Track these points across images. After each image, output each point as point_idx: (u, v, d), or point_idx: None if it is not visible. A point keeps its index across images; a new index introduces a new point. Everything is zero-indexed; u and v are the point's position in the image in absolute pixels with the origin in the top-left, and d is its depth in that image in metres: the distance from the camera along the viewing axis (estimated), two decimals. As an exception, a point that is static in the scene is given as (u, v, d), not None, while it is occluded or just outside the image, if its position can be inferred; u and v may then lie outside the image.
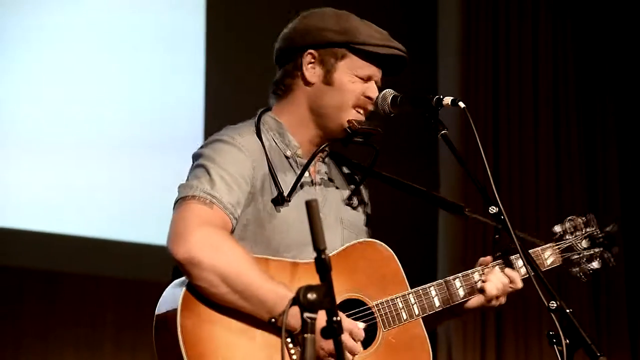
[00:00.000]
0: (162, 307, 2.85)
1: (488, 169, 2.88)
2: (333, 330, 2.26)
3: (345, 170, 3.20)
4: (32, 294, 5.70)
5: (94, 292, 5.82)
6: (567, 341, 2.68)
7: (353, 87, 3.01)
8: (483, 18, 6.90)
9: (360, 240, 3.04)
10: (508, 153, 6.86)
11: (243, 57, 6.07)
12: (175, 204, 2.86)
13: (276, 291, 2.77)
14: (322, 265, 2.27)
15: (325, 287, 2.25)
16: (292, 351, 2.80)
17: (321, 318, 2.25)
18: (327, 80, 3.01)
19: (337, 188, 3.12)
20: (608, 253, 3.28)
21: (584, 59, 7.19)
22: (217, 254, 2.76)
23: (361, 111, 3.02)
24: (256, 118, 3.04)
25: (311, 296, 2.22)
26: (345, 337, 2.82)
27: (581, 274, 3.26)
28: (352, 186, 3.15)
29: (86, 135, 5.68)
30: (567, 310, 2.71)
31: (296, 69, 3.03)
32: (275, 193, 2.93)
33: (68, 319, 5.75)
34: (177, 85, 5.95)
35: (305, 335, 2.21)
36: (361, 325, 2.90)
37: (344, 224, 3.07)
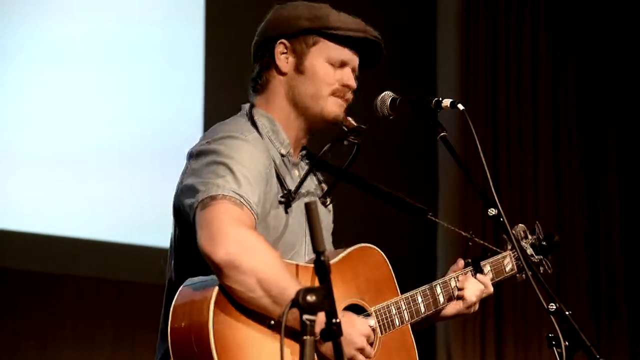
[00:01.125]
0: (181, 314, 2.71)
1: (487, 171, 2.88)
2: (332, 333, 2.26)
3: (317, 168, 3.14)
4: (30, 297, 5.70)
5: (92, 294, 5.81)
6: (567, 343, 2.68)
7: (326, 73, 2.96)
8: (482, 20, 6.90)
9: (360, 245, 3.03)
10: (507, 155, 6.86)
11: (242, 69, 6.06)
12: (200, 202, 2.75)
13: None
14: (322, 268, 2.27)
15: (325, 289, 2.25)
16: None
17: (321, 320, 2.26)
18: (299, 68, 2.97)
19: (314, 186, 3.10)
20: (546, 260, 3.35)
21: (583, 61, 7.19)
22: (255, 256, 2.68)
23: (340, 100, 2.98)
24: (247, 115, 3.00)
25: (310, 298, 2.22)
26: (364, 343, 2.82)
27: (522, 279, 3.31)
28: (324, 185, 3.12)
29: (86, 142, 5.68)
30: (567, 313, 2.71)
31: (271, 60, 3.00)
32: (281, 192, 2.90)
33: (66, 322, 5.75)
34: (176, 97, 5.96)
35: (304, 337, 2.21)
36: (372, 322, 2.91)
37: (322, 223, 3.06)
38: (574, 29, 7.19)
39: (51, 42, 5.66)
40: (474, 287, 3.12)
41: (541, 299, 2.77)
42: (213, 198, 2.72)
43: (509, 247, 3.18)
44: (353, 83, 3.00)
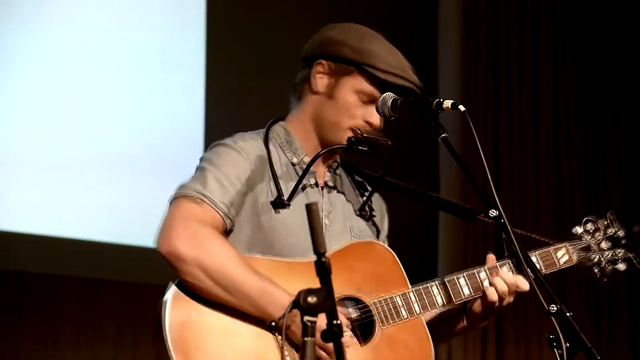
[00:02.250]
0: (159, 308, 2.86)
1: (488, 172, 2.88)
2: (333, 334, 2.26)
3: (357, 180, 3.19)
4: (31, 298, 5.70)
5: (93, 295, 5.81)
6: (568, 344, 2.68)
7: (352, 107, 3.00)
8: (483, 21, 6.90)
9: (359, 240, 3.04)
10: (508, 156, 6.86)
11: (243, 76, 6.09)
12: (168, 203, 2.89)
13: (260, 285, 2.78)
14: (322, 269, 2.27)
15: (326, 290, 2.25)
16: (287, 357, 2.80)
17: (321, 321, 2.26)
18: (330, 93, 3.02)
19: (347, 199, 3.12)
20: (633, 254, 3.23)
21: (584, 61, 7.19)
22: (200, 248, 2.78)
23: (362, 128, 3.01)
24: (266, 127, 3.07)
25: (311, 299, 2.22)
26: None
27: (601, 275, 3.19)
28: (364, 197, 3.15)
29: (87, 145, 5.69)
30: (568, 314, 2.71)
31: (308, 75, 3.05)
32: (276, 196, 2.94)
33: (67, 323, 5.75)
34: (177, 101, 5.97)
35: (305, 338, 2.21)
36: (353, 313, 2.89)
37: (353, 232, 3.07)
38: (575, 29, 7.19)
39: (52, 45, 5.67)
40: (504, 280, 2.99)
41: (542, 300, 2.77)
42: (175, 198, 2.87)
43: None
44: (377, 122, 3.03)
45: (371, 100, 3.01)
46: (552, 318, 2.71)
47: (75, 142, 5.68)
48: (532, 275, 2.81)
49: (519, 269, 3.03)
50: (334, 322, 2.25)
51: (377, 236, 3.16)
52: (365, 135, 2.99)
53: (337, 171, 3.13)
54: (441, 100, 2.93)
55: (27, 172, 5.56)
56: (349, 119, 3.00)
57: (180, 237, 2.79)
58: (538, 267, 3.07)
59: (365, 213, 3.13)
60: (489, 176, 2.88)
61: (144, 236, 5.72)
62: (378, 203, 3.21)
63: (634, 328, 6.99)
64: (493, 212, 2.84)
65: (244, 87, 6.05)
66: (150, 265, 5.59)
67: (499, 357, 6.67)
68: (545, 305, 2.72)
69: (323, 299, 2.23)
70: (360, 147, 2.99)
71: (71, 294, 5.77)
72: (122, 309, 5.84)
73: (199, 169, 2.93)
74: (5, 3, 5.61)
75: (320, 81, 3.03)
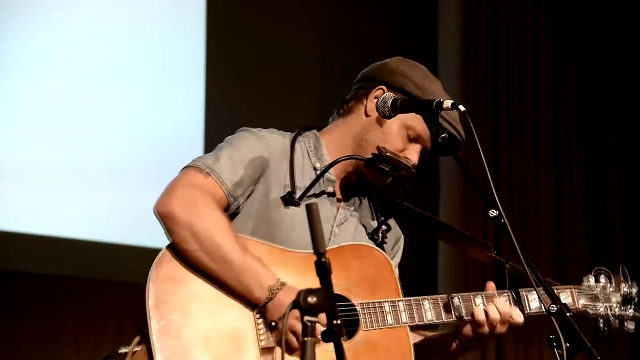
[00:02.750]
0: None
1: (488, 172, 2.88)
2: (333, 334, 2.26)
3: (376, 206, 3.19)
4: (32, 298, 5.70)
5: (93, 295, 5.81)
6: (567, 345, 2.68)
7: (398, 139, 3.04)
8: (483, 21, 6.90)
9: (358, 242, 3.05)
10: (508, 155, 6.86)
11: (243, 84, 6.10)
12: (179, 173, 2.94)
13: (246, 261, 2.80)
14: (322, 269, 2.27)
15: (326, 290, 2.25)
16: (262, 337, 2.80)
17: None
18: (379, 120, 3.05)
19: (361, 222, 3.13)
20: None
21: (583, 61, 7.20)
22: (194, 211, 2.81)
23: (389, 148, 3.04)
24: (297, 130, 3.11)
25: (311, 299, 2.22)
26: (295, 325, 2.76)
27: (607, 328, 3.19)
28: (380, 222, 3.15)
29: (88, 150, 5.70)
30: (568, 314, 2.71)
31: (364, 96, 3.08)
32: (288, 192, 2.96)
33: (68, 323, 5.75)
34: (177, 110, 5.98)
35: (305, 338, 2.21)
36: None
37: None
38: (575, 29, 7.19)
39: (52, 54, 5.68)
40: (498, 308, 2.97)
41: (542, 300, 2.76)
42: (185, 168, 2.92)
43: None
44: (415, 160, 3.06)
45: (415, 139, 3.06)
46: (552, 318, 2.71)
47: (75, 143, 5.68)
48: (532, 275, 2.80)
49: (516, 303, 3.03)
50: (334, 322, 2.25)
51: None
52: (389, 154, 3.01)
53: (362, 198, 3.14)
54: (441, 100, 2.93)
55: (27, 173, 5.56)
56: (391, 148, 3.03)
57: (178, 199, 2.82)
58: (537, 305, 3.07)
59: (377, 237, 3.13)
60: (489, 176, 2.88)
61: (144, 236, 5.75)
62: (395, 233, 3.20)
63: (634, 331, 6.98)
64: (493, 212, 2.84)
65: (243, 96, 6.05)
66: (150, 265, 5.62)
67: (499, 357, 6.67)
68: (545, 305, 2.72)
69: (323, 299, 2.23)
70: (381, 165, 3.01)
71: (71, 294, 5.77)
72: (122, 309, 5.83)
73: (218, 147, 2.97)
74: (6, 10, 5.61)
75: (374, 104, 3.05)
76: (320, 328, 2.22)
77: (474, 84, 6.83)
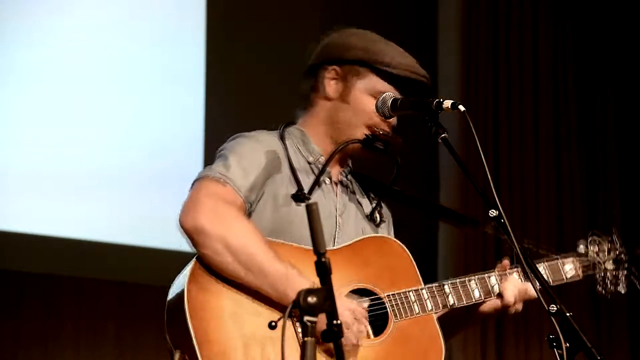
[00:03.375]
0: (172, 290, 2.85)
1: (488, 172, 2.88)
2: (333, 334, 2.26)
3: (366, 188, 3.22)
4: (32, 298, 5.70)
5: (93, 295, 5.81)
6: (567, 345, 2.68)
7: (368, 107, 3.04)
8: (483, 21, 6.90)
9: (374, 235, 3.07)
10: (508, 155, 6.86)
11: (242, 89, 6.10)
12: (192, 185, 2.92)
13: (281, 269, 2.80)
14: (322, 269, 2.27)
15: (326, 290, 2.25)
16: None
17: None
18: (345, 97, 3.05)
19: (358, 203, 3.15)
20: (634, 277, 3.32)
21: (584, 60, 7.19)
22: (223, 223, 2.80)
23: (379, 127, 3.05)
24: (280, 128, 3.10)
25: (311, 299, 2.22)
26: (348, 317, 2.80)
27: (604, 293, 3.33)
28: (373, 204, 3.18)
29: (87, 148, 5.70)
30: (567, 314, 2.71)
31: (319, 83, 3.08)
32: (296, 189, 2.98)
33: (68, 323, 5.74)
34: (177, 118, 5.98)
35: (305, 338, 2.21)
36: (365, 303, 2.91)
37: (365, 233, 3.09)
38: (575, 29, 7.19)
39: (51, 63, 5.68)
40: (513, 287, 3.09)
41: (542, 300, 2.77)
42: (199, 179, 2.90)
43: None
44: (394, 120, 3.07)
45: None
46: (552, 318, 2.71)
47: (75, 143, 5.68)
48: (531, 275, 2.81)
49: (527, 277, 3.08)
50: (334, 322, 2.25)
51: None
52: (382, 133, 3.03)
53: (349, 177, 3.15)
54: (441, 100, 2.94)
55: (27, 173, 5.56)
56: (366, 119, 3.04)
57: (205, 213, 2.80)
58: (546, 277, 3.18)
59: (375, 218, 3.15)
60: (489, 176, 2.88)
61: (144, 236, 5.76)
62: (386, 211, 3.23)
63: (634, 328, 6.99)
64: (493, 212, 2.84)
65: (243, 104, 6.06)
66: (150, 266, 5.63)
67: (499, 357, 6.67)
68: (545, 306, 2.72)
69: (323, 299, 2.23)
70: (377, 145, 3.04)
71: (71, 294, 5.76)
72: (122, 309, 5.84)
73: (221, 156, 2.97)
74: (6, 19, 5.62)
75: (334, 87, 3.06)
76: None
77: (474, 84, 6.83)
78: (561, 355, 2.68)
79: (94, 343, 5.79)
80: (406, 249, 3.05)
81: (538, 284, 2.80)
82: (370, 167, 3.19)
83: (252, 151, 2.97)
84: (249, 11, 6.36)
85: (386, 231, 3.19)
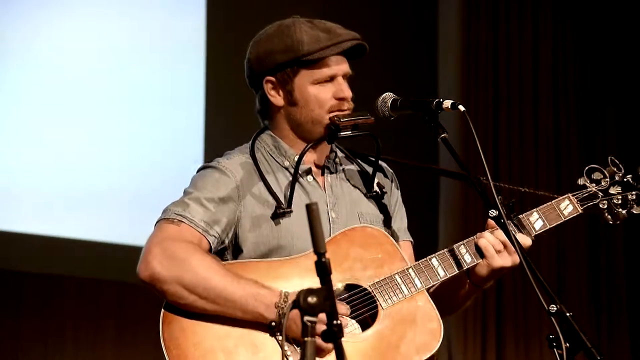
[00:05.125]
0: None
1: (488, 172, 2.88)
2: (333, 334, 2.26)
3: (359, 163, 3.18)
4: (32, 298, 5.70)
5: (93, 295, 5.81)
6: (567, 345, 2.68)
7: (317, 97, 2.99)
8: (483, 19, 6.90)
9: (349, 227, 3.01)
10: (508, 155, 6.87)
11: (242, 110, 6.09)
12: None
13: (244, 289, 2.79)
14: (323, 269, 2.27)
15: (326, 290, 2.25)
16: (290, 354, 2.80)
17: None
18: (291, 100, 3.01)
19: (353, 185, 3.11)
20: None
21: (584, 60, 7.19)
22: (177, 265, 2.80)
23: (340, 114, 3.01)
24: (252, 138, 3.08)
25: (311, 299, 2.22)
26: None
27: (614, 219, 3.28)
28: (368, 178, 3.14)
29: (87, 149, 5.71)
30: (567, 314, 2.70)
31: (264, 96, 3.05)
32: (274, 204, 2.95)
33: (68, 323, 5.75)
34: (177, 137, 5.99)
35: (305, 338, 2.21)
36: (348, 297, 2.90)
37: (363, 218, 3.06)
38: (575, 26, 7.19)
39: (52, 82, 5.70)
40: (487, 239, 2.96)
41: (542, 300, 2.76)
42: (156, 223, 2.93)
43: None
44: (347, 93, 3.01)
45: (332, 77, 3.01)
46: (552, 318, 2.71)
47: (74, 143, 5.69)
48: (532, 275, 2.80)
49: (520, 229, 3.04)
50: (334, 322, 2.25)
51: (390, 216, 3.14)
52: (343, 119, 2.97)
53: (336, 160, 3.11)
54: (441, 100, 2.93)
55: (27, 173, 5.56)
56: (321, 108, 3.00)
57: (156, 259, 2.83)
58: (541, 223, 3.13)
59: (376, 192, 3.12)
60: (489, 176, 2.88)
61: (144, 236, 5.75)
62: (384, 175, 3.19)
63: (634, 326, 6.99)
64: (493, 212, 2.84)
65: (243, 124, 6.05)
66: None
67: (499, 357, 6.67)
68: (545, 306, 2.72)
69: (323, 299, 2.23)
70: (342, 134, 2.98)
71: (71, 294, 5.77)
72: (122, 309, 5.84)
73: (184, 192, 2.95)
74: (6, 35, 5.64)
75: (277, 96, 3.03)
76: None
77: (474, 84, 6.83)
78: (561, 355, 2.67)
79: (94, 343, 5.79)
80: (384, 232, 3.02)
81: (537, 286, 2.79)
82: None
83: (214, 184, 2.94)
84: (248, 32, 6.36)
85: (390, 201, 3.14)
